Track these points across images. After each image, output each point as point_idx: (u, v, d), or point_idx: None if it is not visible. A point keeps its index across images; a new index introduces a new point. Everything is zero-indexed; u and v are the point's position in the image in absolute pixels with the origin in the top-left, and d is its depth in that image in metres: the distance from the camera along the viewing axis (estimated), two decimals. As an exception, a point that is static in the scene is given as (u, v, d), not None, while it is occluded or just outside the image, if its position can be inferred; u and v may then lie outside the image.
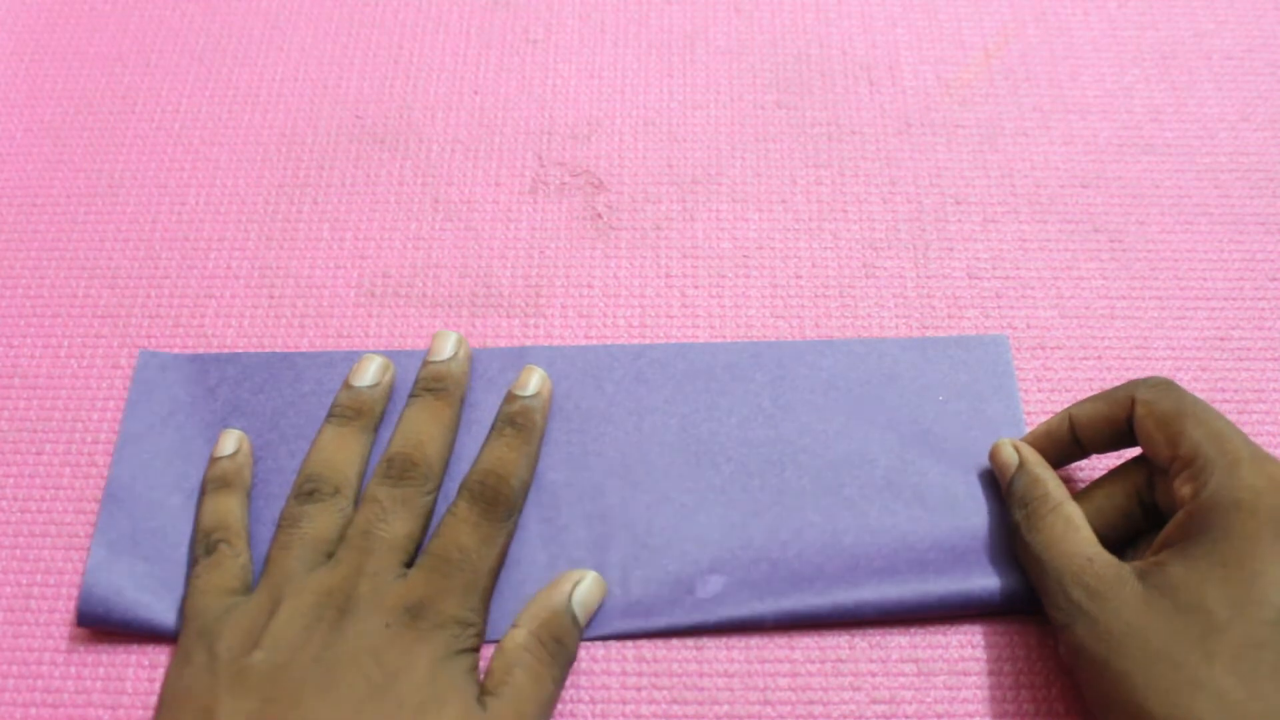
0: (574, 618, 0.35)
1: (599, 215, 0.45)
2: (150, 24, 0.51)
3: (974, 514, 0.38)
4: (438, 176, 0.46)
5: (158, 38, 0.50)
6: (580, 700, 0.36)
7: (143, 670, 0.36)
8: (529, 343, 0.42)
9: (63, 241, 0.45)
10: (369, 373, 0.39)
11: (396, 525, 0.35)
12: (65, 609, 0.37)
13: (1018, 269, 0.43)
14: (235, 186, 0.46)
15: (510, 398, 0.39)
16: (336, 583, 0.34)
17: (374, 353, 0.40)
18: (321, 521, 0.36)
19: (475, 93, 0.48)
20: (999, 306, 0.43)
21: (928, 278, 0.43)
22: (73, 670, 0.36)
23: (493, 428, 0.39)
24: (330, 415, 0.39)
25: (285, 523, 0.36)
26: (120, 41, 0.50)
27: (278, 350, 0.42)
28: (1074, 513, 0.34)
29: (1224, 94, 0.48)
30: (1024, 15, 0.50)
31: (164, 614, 0.36)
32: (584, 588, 0.36)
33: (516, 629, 0.34)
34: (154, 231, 0.45)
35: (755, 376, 0.41)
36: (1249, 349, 0.42)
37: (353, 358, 0.41)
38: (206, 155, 0.47)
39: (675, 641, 0.37)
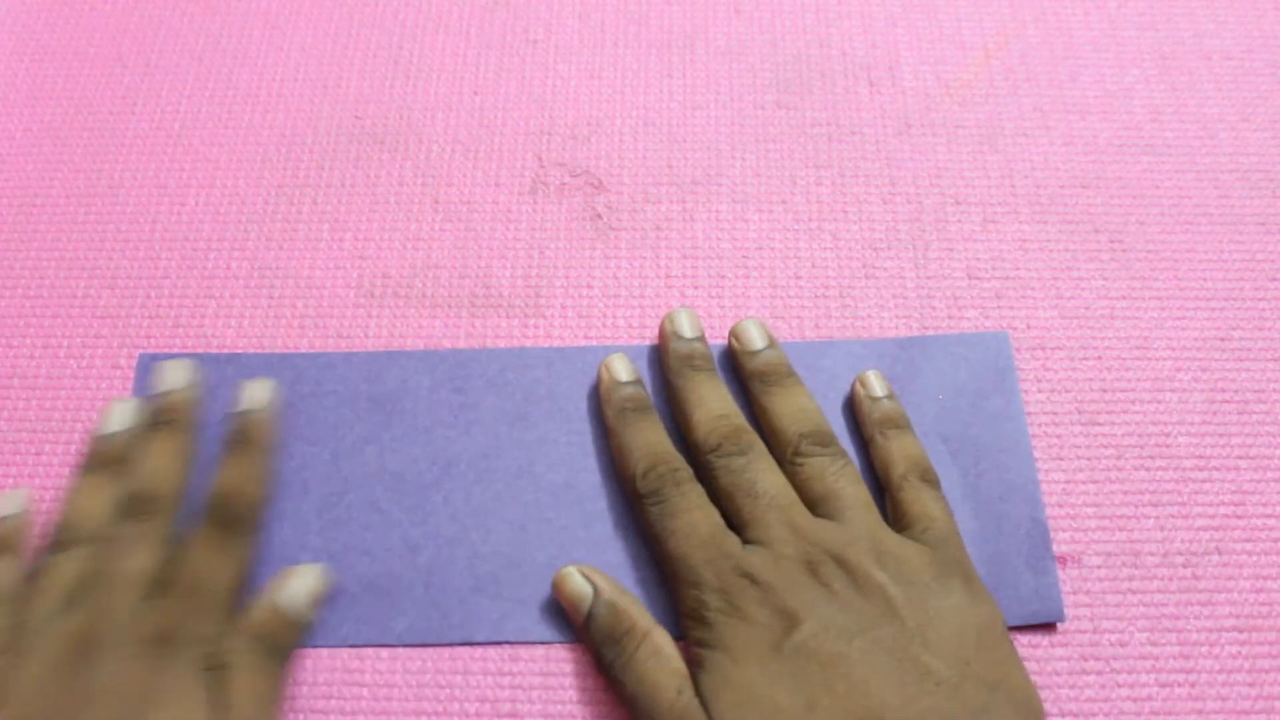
0: (288, 616, 0.36)
1: (599, 215, 0.45)
2: (150, 24, 0.50)
3: (972, 517, 0.38)
4: (438, 177, 0.46)
5: (158, 38, 0.50)
6: (581, 701, 0.36)
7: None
8: (529, 343, 0.42)
9: (63, 241, 0.45)
10: (118, 416, 0.39)
11: (135, 560, 0.35)
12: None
13: (1018, 269, 0.43)
14: (235, 186, 0.46)
15: (230, 417, 0.39)
16: (75, 626, 0.33)
17: (123, 396, 0.40)
18: (66, 569, 0.35)
19: (475, 93, 0.48)
20: (999, 307, 0.43)
21: (928, 278, 0.43)
22: (72, 670, 0.36)
23: (225, 444, 0.38)
24: (82, 463, 0.38)
25: (36, 575, 0.35)
26: (120, 41, 0.50)
27: (277, 350, 0.42)
28: (663, 640, 0.35)
29: (1224, 94, 0.48)
30: (1024, 15, 0.50)
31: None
32: (291, 586, 0.36)
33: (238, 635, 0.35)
34: (154, 231, 0.45)
35: (755, 376, 0.41)
36: (1249, 349, 0.42)
37: (353, 358, 0.41)
38: (206, 155, 0.47)
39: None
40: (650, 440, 0.37)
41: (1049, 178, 0.46)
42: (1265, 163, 0.46)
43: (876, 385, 0.39)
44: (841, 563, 0.34)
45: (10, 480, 0.39)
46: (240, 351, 0.42)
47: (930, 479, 0.37)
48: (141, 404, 0.40)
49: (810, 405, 0.38)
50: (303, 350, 0.42)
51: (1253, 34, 0.50)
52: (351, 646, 0.37)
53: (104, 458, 0.38)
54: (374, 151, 0.47)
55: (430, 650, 0.37)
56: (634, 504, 0.37)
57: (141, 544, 0.35)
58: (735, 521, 0.36)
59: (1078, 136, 0.47)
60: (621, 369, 0.39)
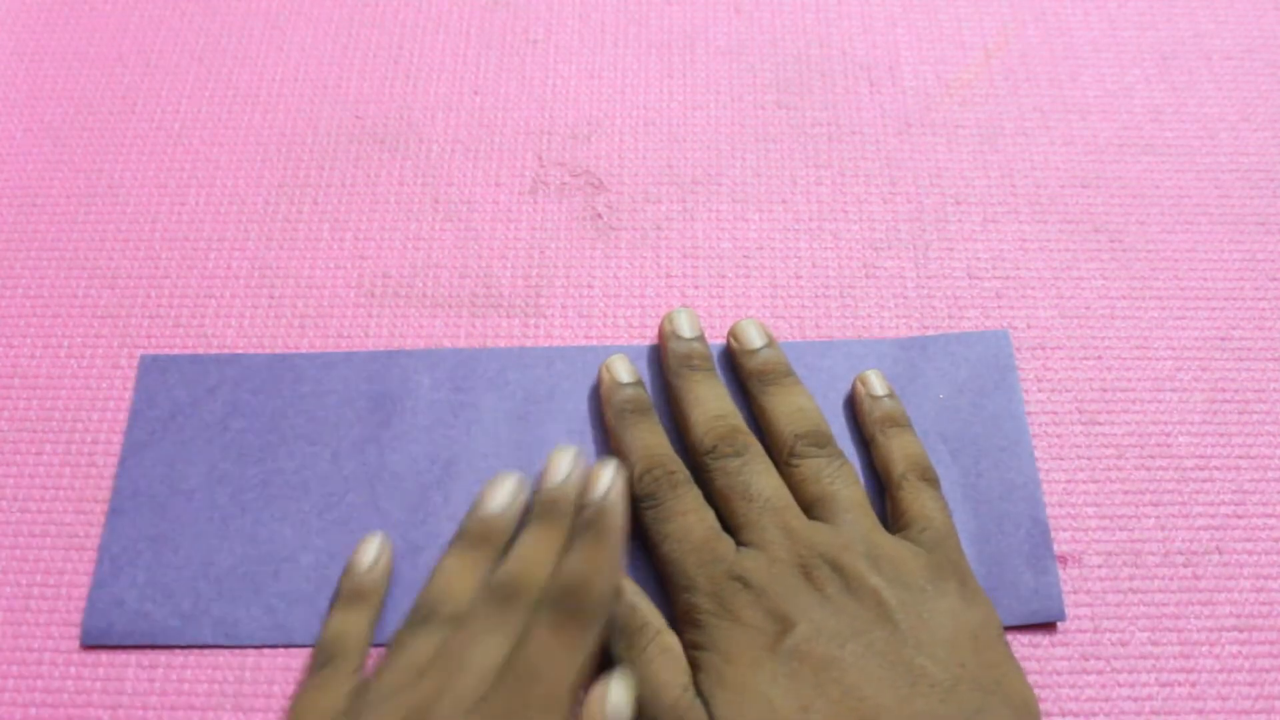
0: None
1: (599, 215, 0.45)
2: (150, 24, 0.50)
3: (972, 516, 0.38)
4: (438, 176, 0.46)
5: (158, 38, 0.50)
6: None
7: (142, 670, 0.36)
8: (529, 343, 0.42)
9: (63, 241, 0.45)
10: (500, 497, 0.37)
11: (490, 648, 0.33)
12: (65, 610, 0.37)
13: (1018, 269, 0.43)
14: (235, 186, 0.46)
15: (583, 504, 0.36)
16: (417, 701, 0.32)
17: (507, 473, 0.38)
18: (421, 647, 0.34)
19: (475, 93, 0.48)
20: (999, 306, 0.43)
21: (928, 278, 0.43)
22: (72, 671, 0.36)
23: (572, 533, 0.36)
24: (457, 538, 0.37)
25: (393, 646, 0.35)
26: (120, 42, 0.50)
27: (278, 350, 0.42)
28: (672, 641, 0.34)
29: (1224, 94, 0.48)
30: (1024, 15, 0.50)
31: (165, 621, 0.37)
32: (615, 696, 0.33)
33: None
34: (154, 231, 0.45)
35: (755, 377, 0.41)
36: (1249, 349, 0.42)
37: (353, 358, 0.41)
38: (206, 155, 0.47)
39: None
40: (648, 442, 0.37)
41: (1049, 178, 0.46)
42: (1265, 163, 0.46)
43: (877, 384, 0.39)
44: (835, 566, 0.33)
45: (10, 480, 0.39)
46: (240, 352, 0.42)
47: (930, 478, 0.37)
48: (525, 484, 0.38)
49: (808, 405, 0.38)
50: (303, 350, 0.42)
51: (1253, 34, 0.50)
52: (352, 646, 0.37)
53: (481, 537, 0.37)
54: (374, 151, 0.47)
55: (430, 650, 0.37)
56: (632, 506, 0.37)
57: (498, 633, 0.33)
58: (730, 524, 0.36)
59: (1078, 136, 0.47)
60: (622, 370, 0.39)
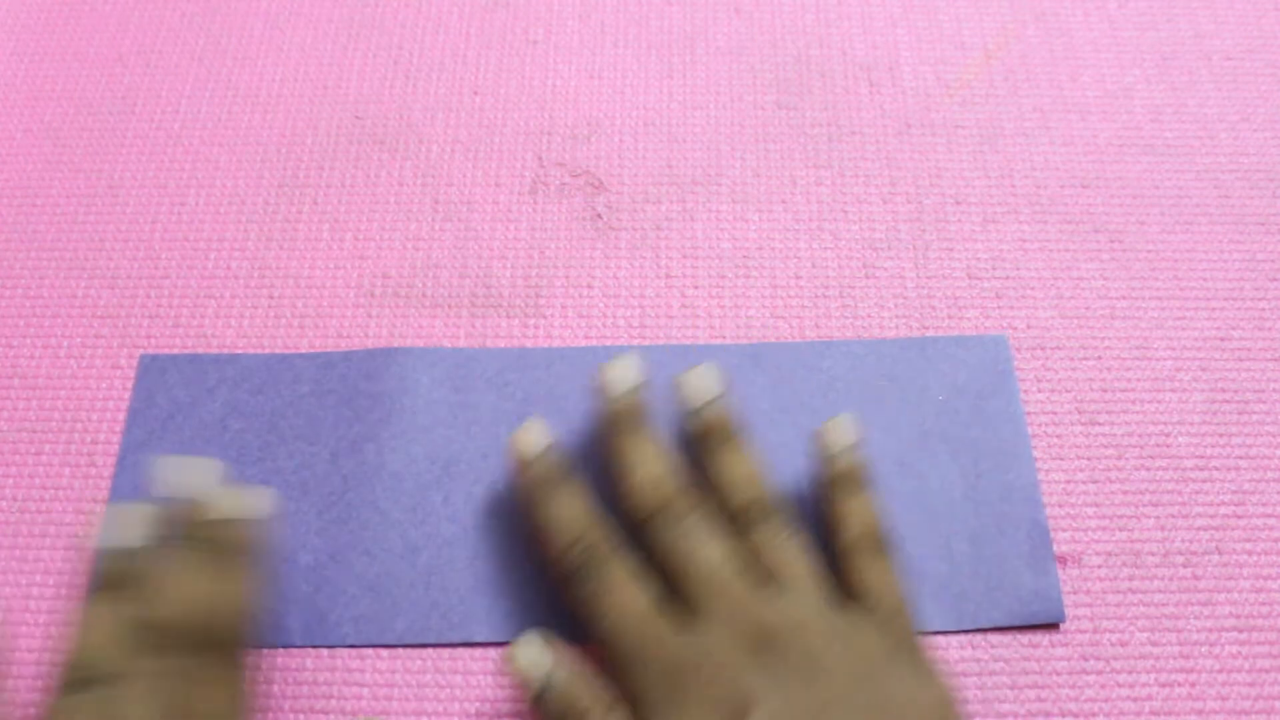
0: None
1: (599, 215, 0.45)
2: (150, 24, 0.50)
3: (972, 518, 0.38)
4: (438, 177, 0.46)
5: (158, 38, 0.50)
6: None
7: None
8: (529, 343, 0.42)
9: (63, 241, 0.45)
10: (126, 532, 0.33)
11: (148, 708, 0.31)
12: (64, 609, 0.37)
13: (1018, 269, 0.43)
14: (235, 186, 0.46)
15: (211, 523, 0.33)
16: None
17: (126, 504, 0.34)
18: (83, 713, 0.30)
19: (475, 93, 0.48)
20: (999, 306, 0.43)
21: (928, 278, 0.43)
22: (72, 670, 0.36)
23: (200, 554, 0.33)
24: (93, 582, 0.33)
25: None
26: (120, 41, 0.50)
27: (277, 351, 0.42)
28: None
29: (1224, 94, 0.48)
30: (1024, 15, 0.50)
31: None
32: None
33: None
34: (154, 232, 0.45)
35: (755, 379, 0.41)
36: (1249, 349, 0.42)
37: (352, 357, 0.41)
38: (206, 155, 0.47)
39: None
40: (569, 514, 0.35)
41: (1049, 178, 0.46)
42: (1265, 163, 0.46)
43: (840, 436, 0.36)
44: (786, 644, 0.32)
45: (10, 480, 0.39)
46: (240, 352, 0.42)
47: (884, 548, 0.34)
48: (158, 511, 0.34)
49: (754, 470, 0.35)
50: (302, 350, 0.42)
51: (1253, 34, 0.50)
52: (351, 647, 0.37)
53: (110, 581, 0.33)
54: (374, 151, 0.47)
55: (430, 650, 0.37)
56: (560, 583, 0.35)
57: (159, 683, 0.31)
58: (675, 593, 0.33)
59: (1078, 136, 0.47)
60: (534, 438, 0.36)
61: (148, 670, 0.31)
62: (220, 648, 0.32)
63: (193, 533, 0.33)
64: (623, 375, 0.36)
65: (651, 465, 0.35)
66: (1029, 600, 0.37)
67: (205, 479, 0.34)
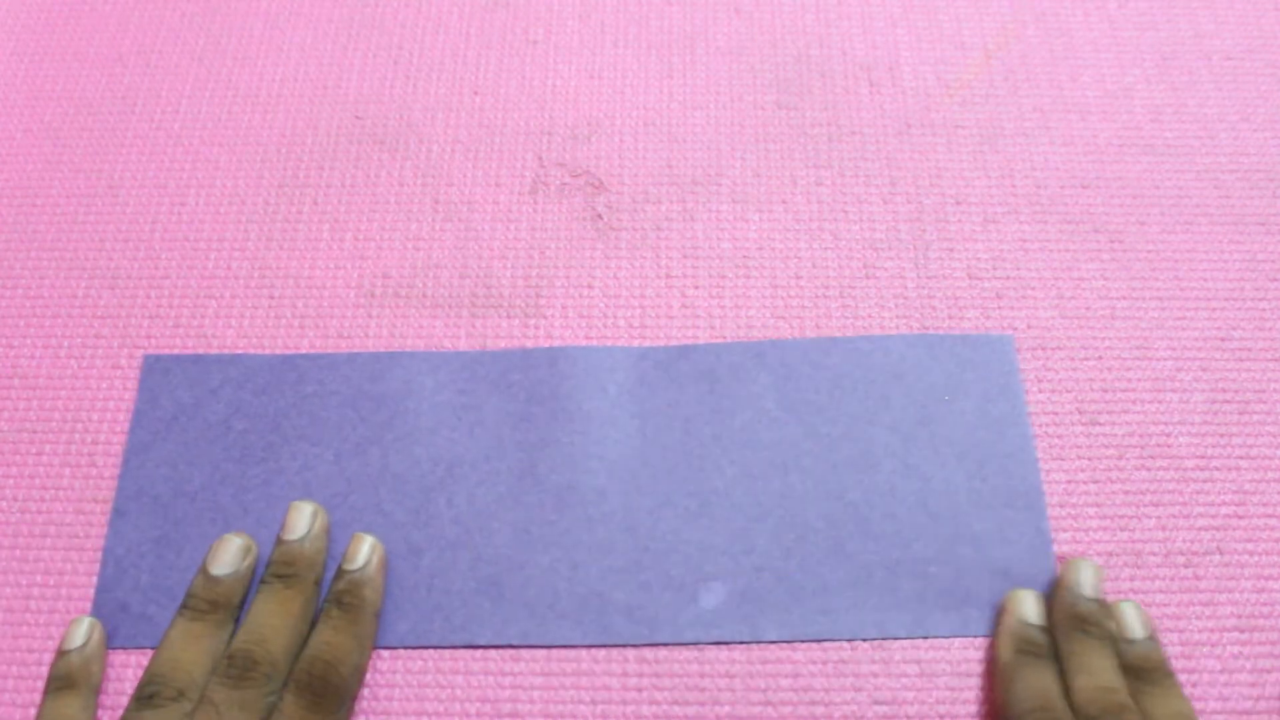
0: None
1: (599, 215, 0.45)
2: (150, 24, 0.50)
3: (976, 520, 0.38)
4: (438, 177, 0.46)
5: (158, 38, 0.50)
6: (581, 701, 0.36)
7: (142, 671, 0.36)
8: (529, 343, 0.42)
9: (63, 241, 0.44)
10: (227, 558, 0.36)
11: None
12: (65, 610, 0.37)
13: (1018, 269, 0.43)
14: (235, 186, 0.46)
15: (339, 573, 0.36)
16: None
17: (233, 534, 0.37)
18: None
19: (475, 93, 0.48)
20: (999, 307, 0.43)
21: (928, 278, 0.43)
22: (73, 671, 0.36)
23: (321, 610, 0.36)
24: (183, 607, 0.36)
25: None
26: (120, 41, 0.50)
27: (278, 351, 0.42)
28: None
29: (1224, 94, 0.48)
30: (1024, 15, 0.50)
31: (168, 624, 0.37)
32: None
33: None
34: (154, 232, 0.45)
35: (759, 378, 0.41)
36: (1249, 349, 0.42)
37: (356, 358, 0.41)
38: (206, 155, 0.47)
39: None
40: (1045, 686, 0.34)
41: (1049, 178, 0.46)
42: (1265, 163, 0.46)
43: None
44: None
45: (10, 480, 0.39)
46: (241, 352, 0.42)
47: None
48: (252, 544, 0.37)
49: (1191, 713, 0.34)
50: (303, 350, 0.42)
51: (1253, 34, 0.50)
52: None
53: (209, 603, 0.35)
54: (374, 151, 0.47)
55: (431, 650, 0.37)
56: None
57: (241, 713, 0.32)
58: None
59: (1078, 136, 0.47)
60: (1032, 609, 0.36)
61: (228, 696, 0.32)
62: (324, 698, 0.33)
63: (288, 570, 0.36)
64: (1094, 580, 0.37)
65: (1104, 675, 0.35)
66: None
67: (311, 521, 0.37)
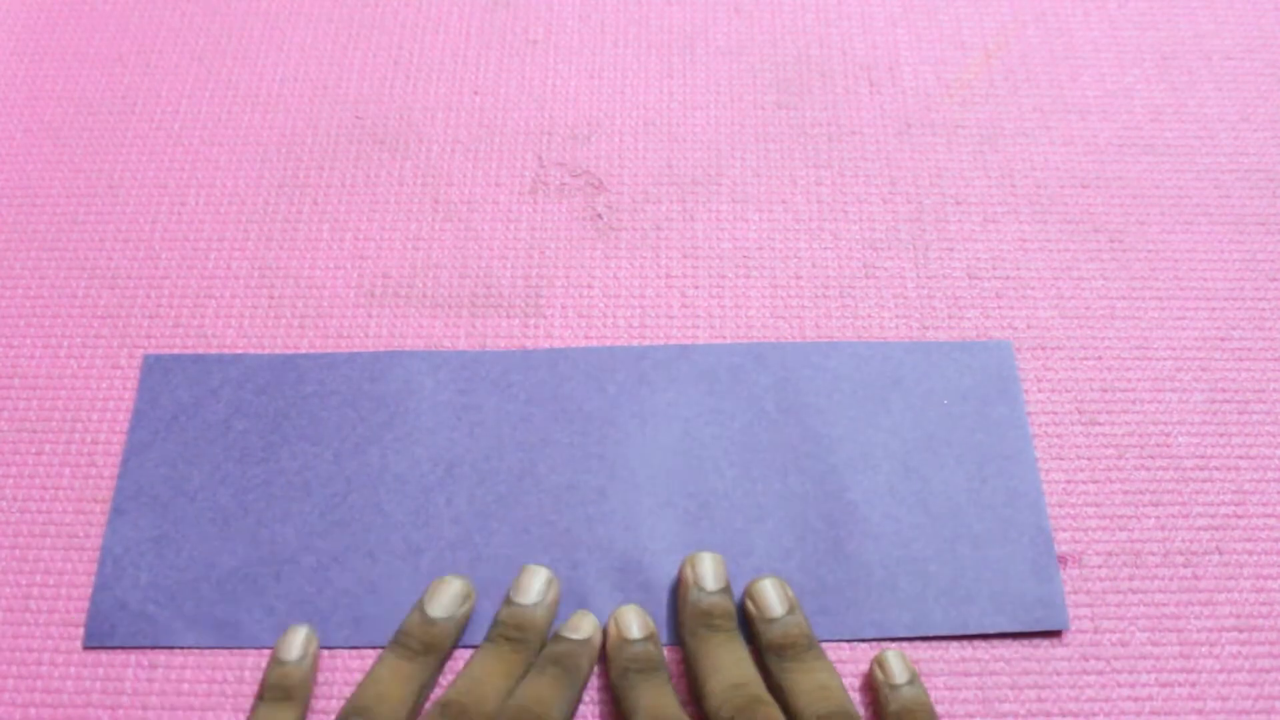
0: None
1: (599, 215, 0.45)
2: (150, 24, 0.50)
3: (976, 522, 0.38)
4: (438, 176, 0.46)
5: (158, 38, 0.50)
6: (581, 701, 0.36)
7: (142, 670, 0.36)
8: (529, 343, 0.42)
9: (63, 241, 0.45)
10: (445, 600, 0.36)
11: None
12: (65, 609, 0.37)
13: (1018, 269, 0.43)
14: (235, 186, 0.46)
15: (557, 638, 0.36)
16: None
17: (455, 577, 0.37)
18: None
19: (475, 93, 0.48)
20: (999, 307, 0.43)
21: (928, 278, 0.43)
22: (72, 670, 0.36)
23: (535, 665, 0.35)
24: (395, 642, 0.36)
25: None
26: (120, 41, 0.50)
27: (278, 350, 0.42)
28: None
29: (1224, 94, 0.48)
30: (1024, 15, 0.50)
31: (168, 623, 0.37)
32: None
33: None
34: (154, 231, 0.45)
35: (759, 379, 0.41)
36: (1249, 349, 0.42)
37: (356, 358, 0.41)
38: (206, 155, 0.47)
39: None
40: (657, 704, 0.33)
41: (1049, 178, 0.46)
42: (1265, 163, 0.46)
43: (897, 670, 0.35)
44: None
45: (10, 480, 0.39)
46: (241, 351, 0.42)
47: None
48: (472, 591, 0.37)
49: (832, 682, 0.34)
50: (303, 350, 0.42)
51: (1253, 34, 0.50)
52: (353, 648, 0.37)
53: (423, 644, 0.35)
54: (374, 151, 0.47)
55: (431, 650, 0.37)
56: None
57: None
58: None
59: (1078, 136, 0.47)
60: (634, 624, 0.36)
61: None
62: None
63: (516, 633, 0.35)
64: (715, 572, 0.36)
65: (732, 670, 0.34)
66: (1032, 607, 0.37)
67: (545, 588, 0.37)
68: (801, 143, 0.47)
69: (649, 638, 0.36)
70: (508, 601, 0.36)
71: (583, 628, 0.36)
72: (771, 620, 0.35)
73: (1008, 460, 0.39)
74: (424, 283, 0.43)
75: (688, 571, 0.36)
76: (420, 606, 0.36)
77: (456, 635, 0.36)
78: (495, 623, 0.36)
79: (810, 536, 0.38)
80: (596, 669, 0.36)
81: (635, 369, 0.41)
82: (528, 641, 0.35)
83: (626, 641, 0.35)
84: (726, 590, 0.36)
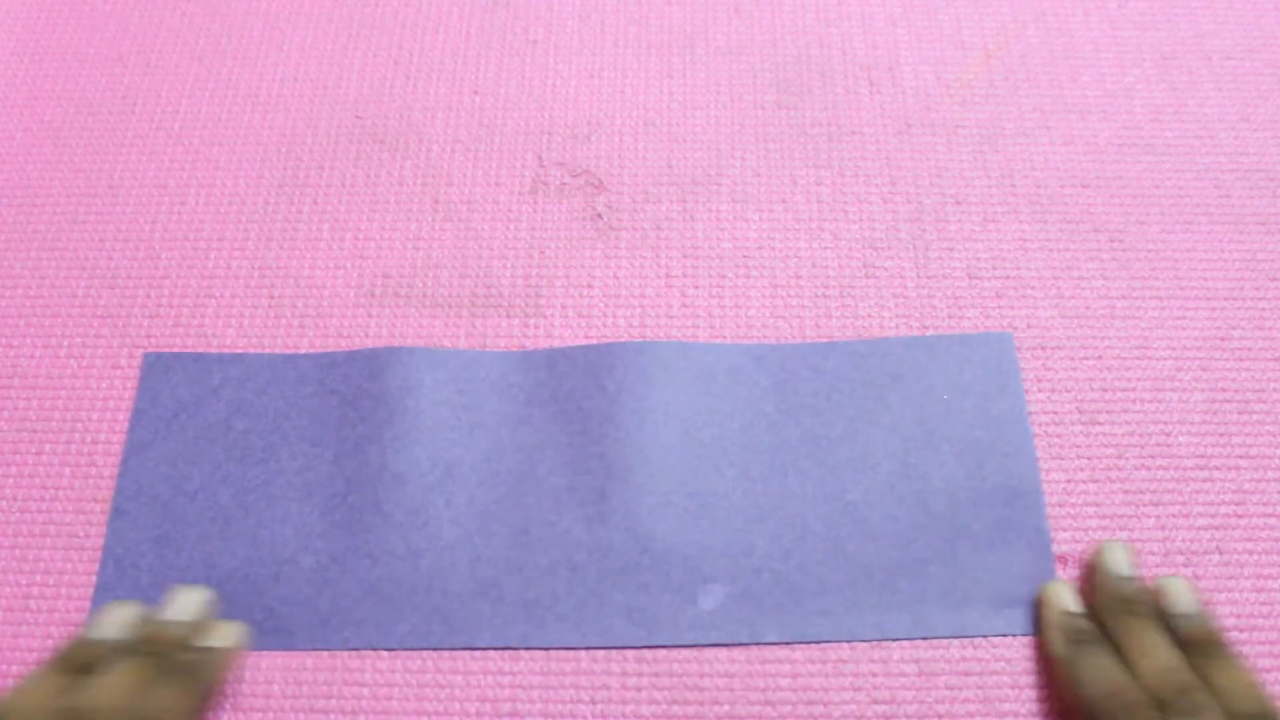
0: None
1: (599, 215, 0.45)
2: (150, 24, 0.50)
3: (976, 520, 0.38)
4: (438, 176, 0.46)
5: (158, 38, 0.50)
6: (581, 701, 0.36)
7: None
8: (529, 343, 0.42)
9: (63, 241, 0.45)
10: (106, 627, 0.35)
11: None
12: (64, 609, 0.37)
13: (1018, 269, 0.43)
14: (235, 186, 0.46)
15: (187, 647, 0.35)
16: None
17: (121, 603, 0.36)
18: None
19: (475, 93, 0.48)
20: (999, 306, 0.43)
21: (928, 278, 0.43)
22: (73, 671, 0.36)
23: (165, 673, 0.34)
24: (55, 657, 0.34)
25: None
26: (120, 41, 0.50)
27: (278, 350, 0.42)
28: None
29: (1224, 94, 0.48)
30: (1024, 15, 0.50)
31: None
32: None
33: None
34: (154, 231, 0.45)
35: (759, 380, 0.41)
36: (1249, 349, 0.42)
37: (355, 356, 0.41)
38: (206, 155, 0.47)
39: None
40: (1109, 671, 0.35)
41: (1049, 178, 0.46)
42: (1265, 163, 0.46)
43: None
44: None
45: (10, 480, 0.39)
46: (242, 351, 0.42)
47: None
48: (138, 616, 0.36)
49: (1256, 681, 0.34)
50: (303, 350, 0.42)
51: (1253, 34, 0.50)
52: (352, 650, 0.37)
53: (76, 664, 0.34)
54: (374, 151, 0.47)
55: (430, 650, 0.37)
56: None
57: None
58: None
59: (1078, 136, 0.47)
60: (1070, 599, 0.37)
61: None
62: None
63: (152, 645, 0.34)
64: (1127, 559, 0.37)
65: (1163, 654, 0.35)
66: (1032, 609, 0.37)
67: (191, 607, 0.36)
68: (801, 143, 0.47)
69: (1085, 614, 0.36)
70: (152, 617, 0.36)
71: (213, 636, 0.35)
72: (1188, 615, 0.36)
73: (1007, 457, 0.39)
74: (424, 283, 0.43)
75: (1103, 558, 0.37)
76: (85, 628, 0.36)
77: (112, 655, 0.35)
78: (140, 634, 0.35)
79: (810, 537, 0.38)
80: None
81: (634, 364, 0.41)
82: (162, 653, 0.35)
83: (1070, 614, 0.36)
84: (1138, 578, 0.37)
